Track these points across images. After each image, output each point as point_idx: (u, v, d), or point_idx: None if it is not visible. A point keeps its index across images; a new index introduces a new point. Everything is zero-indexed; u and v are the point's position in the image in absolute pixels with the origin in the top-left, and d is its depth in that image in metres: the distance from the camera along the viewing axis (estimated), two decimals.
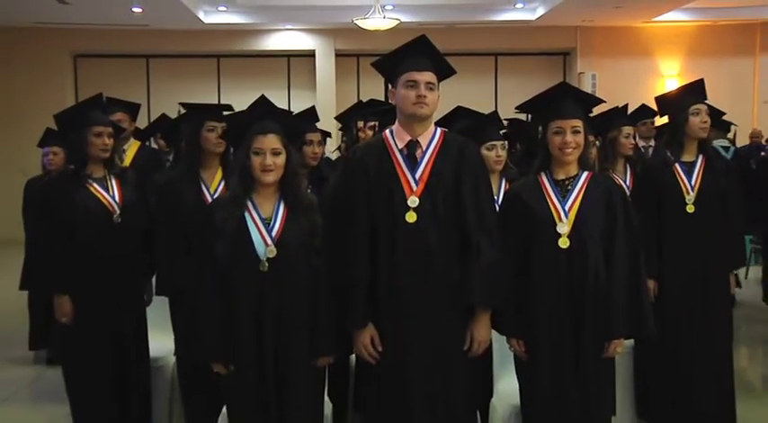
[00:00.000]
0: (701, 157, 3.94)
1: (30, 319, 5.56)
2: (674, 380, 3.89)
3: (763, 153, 8.79)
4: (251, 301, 2.84)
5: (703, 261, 3.89)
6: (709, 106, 3.98)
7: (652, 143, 6.24)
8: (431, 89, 2.84)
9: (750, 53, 12.83)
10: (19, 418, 4.63)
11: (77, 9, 10.45)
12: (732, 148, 7.36)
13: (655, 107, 4.39)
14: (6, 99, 12.31)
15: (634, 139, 4.54)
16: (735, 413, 3.95)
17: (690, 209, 3.87)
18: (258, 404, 2.86)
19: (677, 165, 3.92)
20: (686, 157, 3.94)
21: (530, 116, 4.64)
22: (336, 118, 5.12)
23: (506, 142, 3.83)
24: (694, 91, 4.04)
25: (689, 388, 3.87)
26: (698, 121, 3.89)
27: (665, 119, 4.20)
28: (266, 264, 2.84)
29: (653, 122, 6.06)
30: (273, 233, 2.87)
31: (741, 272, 6.95)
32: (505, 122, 4.61)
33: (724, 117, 5.33)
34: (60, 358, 4.07)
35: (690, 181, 3.89)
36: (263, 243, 2.85)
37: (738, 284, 5.90)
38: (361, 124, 4.58)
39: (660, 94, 4.49)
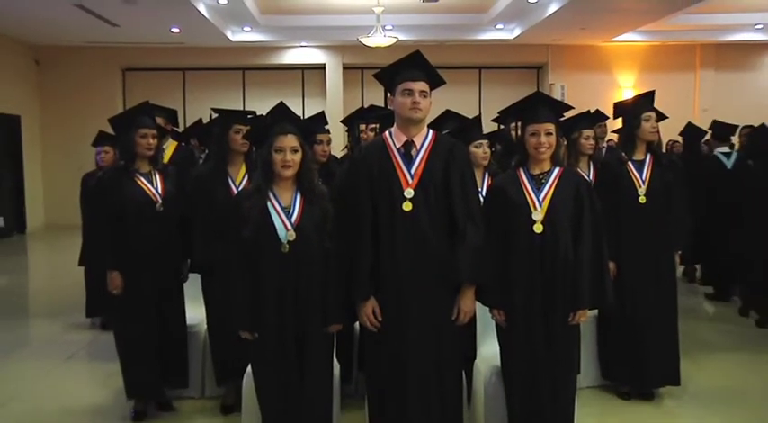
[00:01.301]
0: (649, 156, 3.91)
1: (86, 291, 5.57)
2: (630, 344, 3.88)
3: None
4: (274, 278, 2.81)
5: (653, 244, 3.86)
6: (657, 112, 3.95)
7: (604, 145, 6.25)
8: (424, 96, 2.81)
9: (691, 69, 12.97)
10: (80, 373, 4.64)
11: (126, 30, 10.57)
12: None
13: (609, 113, 4.36)
14: (65, 106, 12.36)
15: (594, 140, 4.49)
16: (679, 371, 3.94)
17: (642, 200, 3.84)
18: (278, 365, 2.84)
19: (630, 163, 3.89)
20: (637, 156, 3.91)
21: (501, 126, 4.62)
22: (342, 121, 5.07)
23: (489, 141, 3.80)
24: (646, 100, 4.01)
25: (643, 351, 3.86)
26: (648, 126, 3.87)
27: (619, 124, 4.16)
28: (287, 246, 2.81)
29: (605, 125, 6.07)
30: (293, 219, 2.84)
31: None
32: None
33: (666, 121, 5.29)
34: (112, 324, 4.05)
35: (641, 176, 3.86)
36: (284, 228, 2.82)
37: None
38: (363, 127, 4.54)
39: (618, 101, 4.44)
